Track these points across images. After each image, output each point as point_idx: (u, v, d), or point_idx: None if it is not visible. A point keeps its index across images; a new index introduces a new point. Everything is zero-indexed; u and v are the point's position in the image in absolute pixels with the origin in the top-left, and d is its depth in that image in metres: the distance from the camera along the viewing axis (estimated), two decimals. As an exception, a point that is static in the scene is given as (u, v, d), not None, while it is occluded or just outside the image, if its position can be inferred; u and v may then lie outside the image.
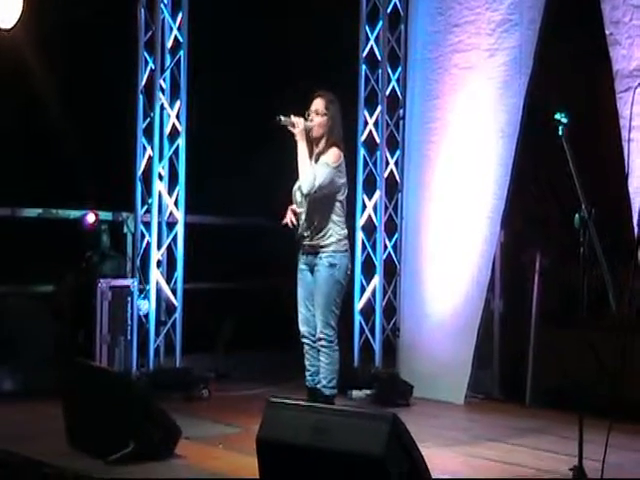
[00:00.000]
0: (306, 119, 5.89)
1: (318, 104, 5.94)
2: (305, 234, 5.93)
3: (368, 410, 5.46)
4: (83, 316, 7.39)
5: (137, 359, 7.44)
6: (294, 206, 5.98)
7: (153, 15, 7.56)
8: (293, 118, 5.84)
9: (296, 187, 5.99)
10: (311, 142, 5.93)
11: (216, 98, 8.42)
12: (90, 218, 7.73)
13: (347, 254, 5.99)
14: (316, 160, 5.90)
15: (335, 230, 5.92)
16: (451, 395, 7.47)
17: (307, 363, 5.98)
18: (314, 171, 5.80)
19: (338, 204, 5.96)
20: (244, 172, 8.45)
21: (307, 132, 5.87)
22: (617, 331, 4.81)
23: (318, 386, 5.87)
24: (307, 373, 5.98)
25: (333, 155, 5.89)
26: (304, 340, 5.98)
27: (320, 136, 5.93)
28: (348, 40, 8.14)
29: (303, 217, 5.93)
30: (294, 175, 5.94)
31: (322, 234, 5.89)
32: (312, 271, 5.94)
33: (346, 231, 6.04)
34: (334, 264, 5.87)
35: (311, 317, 5.93)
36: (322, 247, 5.89)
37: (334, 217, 5.94)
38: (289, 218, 5.95)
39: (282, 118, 5.82)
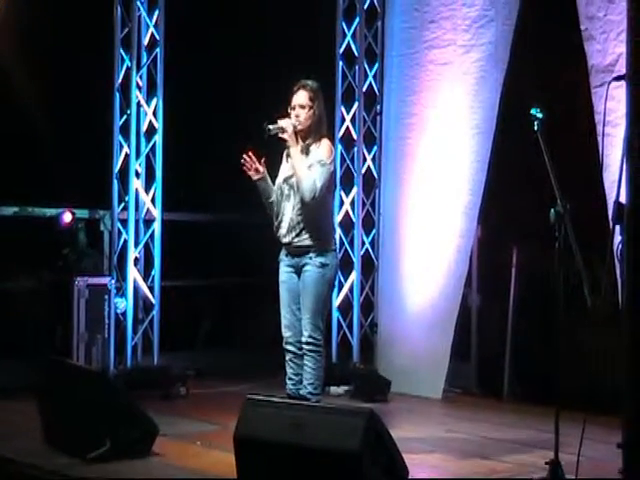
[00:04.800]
0: (289, 113, 5.64)
1: (302, 97, 5.66)
2: (290, 234, 5.61)
3: (345, 406, 5.48)
4: (60, 314, 7.37)
5: (115, 357, 7.41)
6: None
7: (129, 12, 7.52)
8: (280, 122, 5.59)
9: (280, 180, 5.71)
10: (297, 135, 5.63)
11: (192, 94, 8.40)
12: (67, 217, 7.69)
13: (336, 253, 5.79)
14: (306, 153, 5.63)
15: (327, 228, 5.70)
16: (429, 390, 7.49)
17: (290, 371, 5.69)
18: (313, 175, 5.53)
19: (330, 200, 5.79)
20: (220, 168, 8.43)
21: (294, 128, 5.61)
22: (592, 324, 4.83)
23: (302, 392, 5.59)
24: (289, 382, 5.69)
25: (326, 149, 5.64)
26: (288, 347, 5.68)
27: (307, 129, 5.65)
28: (325, 36, 8.14)
29: (288, 215, 5.62)
30: (274, 170, 5.79)
31: (313, 232, 5.58)
32: (298, 273, 5.64)
33: (335, 229, 5.88)
34: (325, 264, 5.58)
35: (296, 322, 5.64)
36: (313, 246, 5.58)
37: (326, 214, 5.74)
38: (250, 161, 5.60)
39: (270, 127, 5.55)
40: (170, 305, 8.05)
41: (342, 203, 8.07)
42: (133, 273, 7.49)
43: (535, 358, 7.24)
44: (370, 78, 8.20)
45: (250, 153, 5.63)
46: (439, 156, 7.63)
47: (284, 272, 5.73)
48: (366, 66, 8.18)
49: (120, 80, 7.56)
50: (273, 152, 5.79)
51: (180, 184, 7.87)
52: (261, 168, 5.66)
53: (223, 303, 9.09)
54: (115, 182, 7.55)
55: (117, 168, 7.55)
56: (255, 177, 5.66)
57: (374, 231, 8.14)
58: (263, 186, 5.70)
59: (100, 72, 7.63)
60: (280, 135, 5.61)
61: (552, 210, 4.76)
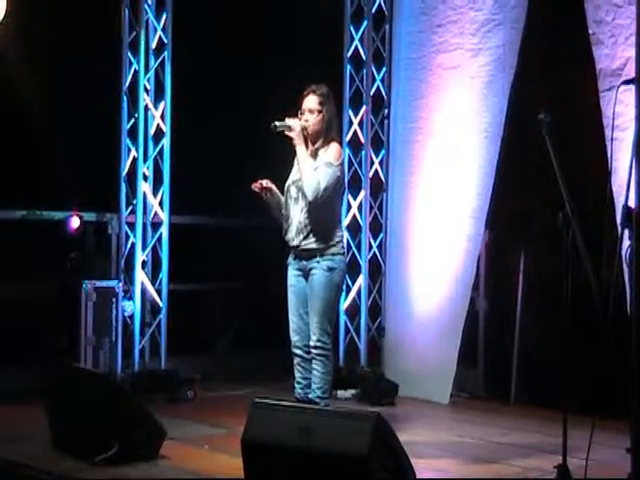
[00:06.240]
0: (300, 118, 5.63)
1: (311, 102, 5.65)
2: (297, 237, 5.61)
3: (352, 410, 5.46)
4: (67, 318, 7.37)
5: (122, 360, 7.42)
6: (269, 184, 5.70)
7: (137, 15, 7.54)
8: (288, 121, 5.59)
9: (290, 182, 5.72)
10: (306, 138, 5.64)
11: (200, 98, 8.40)
12: (74, 223, 7.67)
13: (344, 257, 5.75)
14: (314, 156, 5.62)
15: (334, 231, 5.64)
16: (436, 394, 7.48)
17: (298, 375, 5.69)
18: (317, 175, 5.52)
19: (338, 203, 5.76)
20: (229, 172, 8.43)
21: (303, 131, 5.61)
22: (600, 329, 4.82)
23: (311, 396, 5.58)
24: (298, 386, 5.69)
25: (335, 152, 5.62)
26: (296, 351, 5.67)
27: (317, 134, 5.64)
28: (332, 40, 8.15)
29: (296, 218, 5.61)
30: (283, 172, 5.80)
31: (321, 236, 5.57)
32: (306, 276, 5.63)
33: (343, 232, 5.90)
34: (333, 268, 5.56)
35: (304, 326, 5.63)
36: (320, 250, 5.56)
37: (334, 217, 5.70)
38: (260, 186, 5.66)
39: (277, 124, 5.56)
40: (185, 308, 8.09)
41: (350, 207, 8.07)
42: (140, 276, 7.50)
43: (542, 362, 7.23)
44: (378, 82, 8.20)
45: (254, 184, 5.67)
46: (447, 160, 7.63)
47: (292, 276, 5.72)
48: (374, 70, 8.18)
49: (128, 83, 7.59)
50: (283, 154, 5.80)
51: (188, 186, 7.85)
52: (270, 185, 5.67)
53: (230, 306, 9.08)
54: (123, 185, 7.57)
55: (125, 171, 7.57)
56: (266, 194, 5.68)
57: (381, 235, 8.15)
58: (273, 200, 5.72)
59: (108, 75, 7.64)
60: (287, 133, 5.61)
61: (560, 214, 4.75)
